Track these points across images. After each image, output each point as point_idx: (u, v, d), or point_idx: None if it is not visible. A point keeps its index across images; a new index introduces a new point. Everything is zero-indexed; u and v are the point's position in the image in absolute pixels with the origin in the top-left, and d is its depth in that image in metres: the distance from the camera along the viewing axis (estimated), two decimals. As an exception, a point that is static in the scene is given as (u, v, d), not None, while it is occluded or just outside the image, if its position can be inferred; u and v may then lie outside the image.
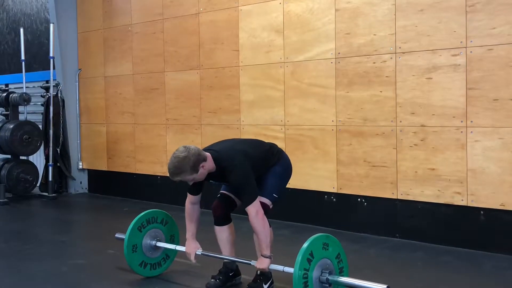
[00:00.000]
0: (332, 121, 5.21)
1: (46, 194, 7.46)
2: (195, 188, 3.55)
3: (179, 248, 3.85)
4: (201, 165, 3.27)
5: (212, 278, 3.62)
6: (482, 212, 4.42)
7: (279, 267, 3.27)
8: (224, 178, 3.40)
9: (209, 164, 3.33)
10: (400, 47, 4.78)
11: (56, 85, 7.64)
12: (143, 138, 6.99)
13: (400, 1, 4.77)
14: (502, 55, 4.27)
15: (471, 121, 4.42)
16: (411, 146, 4.75)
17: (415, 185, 4.73)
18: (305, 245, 3.04)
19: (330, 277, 3.09)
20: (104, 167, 7.55)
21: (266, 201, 3.44)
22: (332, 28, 5.19)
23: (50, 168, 7.48)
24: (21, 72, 7.87)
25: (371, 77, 4.96)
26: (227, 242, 3.63)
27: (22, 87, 7.82)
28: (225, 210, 3.61)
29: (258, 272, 3.50)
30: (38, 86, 8.01)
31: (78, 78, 7.78)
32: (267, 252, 3.29)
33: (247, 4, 5.81)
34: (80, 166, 7.82)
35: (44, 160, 7.72)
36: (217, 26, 6.11)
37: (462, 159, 4.47)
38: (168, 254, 4.02)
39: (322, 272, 3.09)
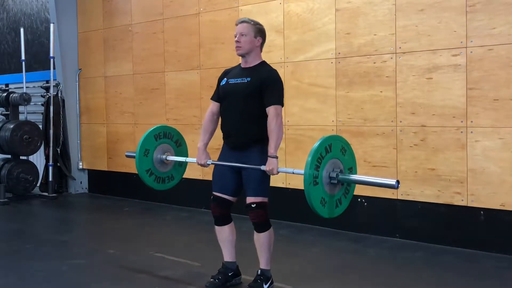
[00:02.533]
0: (332, 121, 5.21)
1: (46, 194, 7.46)
2: (217, 93, 3.62)
3: (189, 160, 3.92)
4: (260, 38, 3.52)
5: (211, 278, 3.62)
6: (482, 212, 4.42)
7: (289, 170, 3.34)
8: (252, 74, 3.43)
9: (259, 51, 3.54)
10: (400, 47, 4.78)
11: (56, 85, 7.64)
12: (143, 138, 6.99)
13: (400, 1, 4.77)
14: (502, 55, 4.27)
15: (471, 121, 4.42)
16: (411, 146, 4.75)
17: (415, 185, 4.73)
18: (315, 145, 3.07)
19: (340, 175, 3.12)
20: (104, 167, 7.55)
21: (265, 199, 3.46)
22: (332, 28, 5.19)
23: (50, 168, 7.48)
24: (21, 72, 7.87)
25: (371, 77, 4.96)
26: (228, 242, 3.63)
27: (22, 87, 7.82)
28: (224, 210, 3.60)
29: (259, 271, 3.51)
30: (38, 86, 8.01)
31: (78, 78, 7.78)
32: (274, 152, 3.31)
33: (247, 4, 5.81)
34: (80, 166, 7.82)
35: (44, 160, 7.72)
36: (218, 26, 6.11)
37: (462, 159, 4.47)
38: (174, 175, 4.06)
39: (331, 171, 3.12)
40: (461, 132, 4.47)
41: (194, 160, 3.71)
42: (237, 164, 3.47)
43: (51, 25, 7.43)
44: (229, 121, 3.54)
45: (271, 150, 3.32)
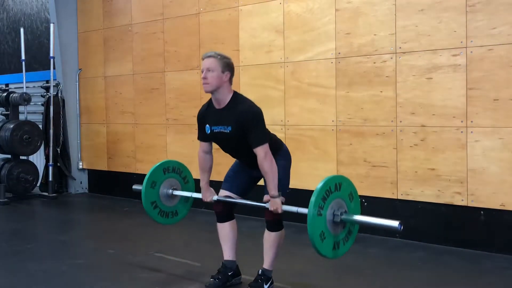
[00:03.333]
0: (332, 121, 5.21)
1: (46, 194, 7.46)
2: (202, 135, 3.58)
3: (195, 195, 3.92)
4: (228, 72, 3.36)
5: (211, 278, 3.61)
6: (482, 212, 4.42)
7: (293, 208, 3.31)
8: (230, 119, 3.35)
9: (228, 86, 3.38)
10: (400, 47, 4.78)
11: (56, 85, 7.64)
12: (143, 138, 7.00)
13: (400, 1, 4.77)
14: (502, 55, 4.27)
15: (471, 121, 4.42)
16: (411, 146, 4.75)
17: (415, 185, 4.73)
18: (319, 185, 3.06)
19: (343, 216, 3.12)
20: (104, 167, 7.55)
21: (283, 199, 3.43)
22: (332, 28, 5.19)
23: (50, 168, 7.48)
24: (21, 72, 7.87)
25: (371, 77, 4.96)
26: (228, 239, 3.62)
27: (22, 87, 7.82)
28: (226, 207, 3.60)
29: (260, 271, 3.50)
30: (38, 86, 8.01)
31: (78, 78, 7.78)
32: (275, 192, 3.30)
33: (247, 4, 5.81)
34: (80, 166, 7.82)
35: (44, 160, 7.72)
36: (217, 26, 6.11)
37: (462, 159, 4.47)
38: (178, 211, 4.06)
39: (335, 211, 3.12)
40: (461, 132, 4.47)
41: (200, 195, 3.75)
42: (241, 202, 3.54)
43: (51, 25, 7.43)
44: (234, 155, 3.59)
45: (271, 191, 3.30)
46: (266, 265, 3.50)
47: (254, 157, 3.34)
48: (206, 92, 3.40)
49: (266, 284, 3.48)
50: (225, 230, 3.63)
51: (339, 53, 5.15)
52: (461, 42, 4.45)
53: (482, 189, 4.38)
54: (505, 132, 4.27)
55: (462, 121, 4.47)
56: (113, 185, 7.49)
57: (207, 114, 3.53)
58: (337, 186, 3.15)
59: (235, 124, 3.35)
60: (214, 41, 6.15)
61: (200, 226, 5.64)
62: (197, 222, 5.83)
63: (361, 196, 5.04)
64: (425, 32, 4.64)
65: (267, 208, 3.38)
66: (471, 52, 4.41)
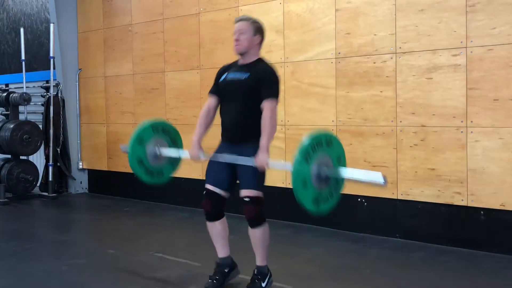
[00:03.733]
0: (332, 121, 5.21)
1: (46, 194, 7.45)
2: (214, 88, 3.63)
3: (183, 154, 3.84)
4: (259, 35, 3.51)
5: (209, 279, 3.60)
6: (482, 212, 4.42)
7: (280, 163, 3.28)
8: (250, 69, 3.44)
9: (257, 49, 3.53)
10: (400, 47, 4.78)
11: (56, 85, 7.64)
12: (143, 138, 6.99)
13: (400, 1, 4.77)
14: (502, 55, 4.27)
15: (471, 121, 4.42)
16: (411, 146, 4.75)
17: (415, 185, 4.73)
18: (305, 141, 3.03)
19: (328, 171, 3.10)
20: (104, 167, 7.55)
21: (260, 193, 3.42)
22: (332, 28, 5.19)
23: (50, 168, 7.48)
24: (21, 72, 7.86)
25: (371, 77, 4.95)
26: (219, 236, 3.60)
27: (22, 87, 7.82)
28: (216, 207, 3.56)
29: (255, 271, 3.49)
30: (38, 86, 8.01)
31: (78, 78, 7.78)
32: (265, 145, 3.27)
33: (247, 4, 5.81)
34: (80, 166, 7.82)
35: (44, 160, 7.72)
36: (217, 26, 6.11)
37: (462, 159, 4.47)
38: (164, 172, 3.95)
39: (320, 165, 3.08)
40: (461, 132, 4.47)
41: (187, 153, 3.68)
42: (228, 158, 3.45)
43: (51, 25, 7.43)
44: (228, 116, 3.54)
45: (263, 143, 3.28)
46: (258, 261, 3.49)
47: (245, 123, 3.41)
48: (237, 53, 3.52)
49: (263, 282, 3.46)
50: (216, 229, 3.60)
51: (339, 53, 5.15)
52: (461, 42, 4.45)
53: (482, 189, 4.38)
54: (505, 132, 4.27)
55: (462, 121, 4.47)
56: (113, 185, 7.49)
57: (229, 67, 3.64)
58: (328, 142, 3.13)
59: (254, 74, 3.43)
60: (214, 41, 6.15)
61: (200, 226, 5.59)
62: (197, 222, 5.82)
63: (361, 196, 5.07)
64: (425, 32, 4.64)
65: (246, 207, 3.39)
66: (471, 52, 4.41)
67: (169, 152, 3.90)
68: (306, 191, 3.05)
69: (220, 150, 3.59)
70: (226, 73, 3.60)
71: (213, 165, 3.60)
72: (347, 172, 3.17)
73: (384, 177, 2.96)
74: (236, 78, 3.51)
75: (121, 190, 7.32)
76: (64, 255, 4.61)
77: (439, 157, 4.59)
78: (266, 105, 3.35)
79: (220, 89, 3.61)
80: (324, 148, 3.12)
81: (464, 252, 4.41)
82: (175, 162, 4.01)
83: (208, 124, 3.69)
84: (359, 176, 3.20)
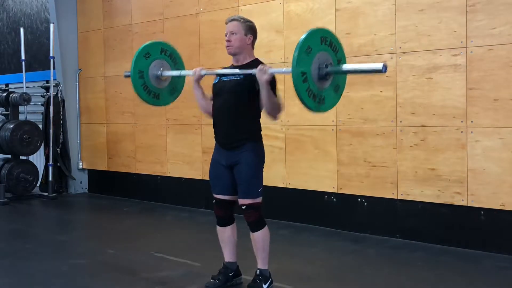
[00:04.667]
0: (332, 121, 5.21)
1: (46, 194, 7.45)
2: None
3: (184, 73, 3.86)
4: (251, 35, 3.49)
5: (212, 278, 3.62)
6: (482, 212, 4.42)
7: (280, 70, 3.26)
8: (247, 74, 3.42)
9: (250, 48, 3.51)
10: (400, 47, 4.78)
11: (56, 85, 7.64)
12: (143, 138, 6.99)
13: (400, 1, 4.77)
14: (502, 55, 4.27)
15: (472, 121, 4.42)
16: (411, 146, 4.75)
17: (415, 185, 4.73)
18: (301, 39, 2.96)
19: (329, 68, 3.05)
20: (104, 167, 7.55)
21: (257, 200, 3.44)
22: (333, 28, 5.18)
23: (50, 168, 7.48)
24: (21, 72, 7.87)
25: (371, 77, 4.95)
26: (229, 243, 3.63)
27: (22, 87, 7.82)
28: (227, 211, 3.60)
29: (258, 272, 3.50)
30: (38, 86, 8.02)
31: (78, 78, 7.78)
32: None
33: (247, 4, 5.81)
34: (80, 166, 7.82)
35: (44, 160, 7.72)
36: (217, 26, 6.10)
37: (462, 159, 4.47)
38: (160, 96, 3.95)
39: (320, 65, 3.04)
40: (461, 132, 4.47)
41: (189, 71, 3.73)
42: (228, 71, 3.50)
43: (51, 25, 7.43)
44: (220, 119, 3.53)
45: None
46: (260, 264, 3.50)
47: (237, 127, 3.41)
48: (229, 54, 3.51)
49: (265, 284, 3.47)
50: (226, 234, 3.63)
51: (339, 53, 5.15)
52: (461, 42, 4.45)
53: (482, 189, 4.38)
54: (505, 132, 4.27)
55: (462, 121, 4.46)
56: (113, 185, 7.49)
57: (225, 69, 3.63)
58: (330, 43, 3.08)
59: (249, 74, 3.38)
60: (214, 41, 6.15)
61: (200, 226, 5.64)
62: (197, 222, 5.84)
63: (361, 196, 5.07)
64: (425, 32, 4.64)
65: (246, 211, 3.42)
66: (471, 52, 4.41)
67: (171, 72, 3.90)
68: (305, 86, 2.97)
69: (216, 155, 3.61)
70: (218, 77, 3.59)
71: (214, 172, 3.62)
72: (347, 66, 3.14)
73: (385, 64, 2.88)
74: (229, 80, 3.49)
75: (121, 190, 7.32)
76: (64, 255, 4.61)
77: (439, 157, 4.59)
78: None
79: (213, 91, 3.61)
80: (324, 46, 3.05)
81: (464, 252, 4.41)
82: (174, 91, 4.02)
83: (207, 98, 3.69)
84: (359, 67, 3.16)
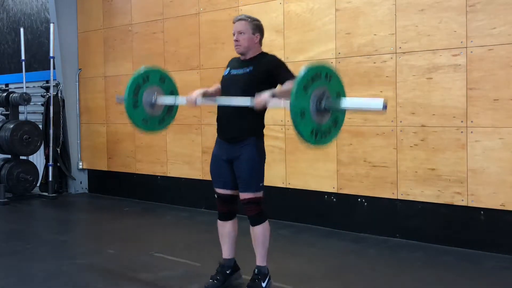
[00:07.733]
0: (332, 121, 5.21)
1: (46, 194, 7.45)
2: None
3: (179, 100, 3.77)
4: (258, 34, 3.51)
5: (210, 279, 3.61)
6: (482, 212, 4.42)
7: (279, 102, 3.15)
8: (253, 63, 3.44)
9: (258, 47, 3.53)
10: (400, 47, 4.78)
11: (56, 85, 7.64)
12: (143, 138, 6.99)
13: (400, 1, 4.77)
14: (502, 55, 4.27)
15: (472, 121, 4.42)
16: (411, 146, 4.75)
17: (415, 185, 4.73)
18: (301, 73, 2.92)
19: (326, 103, 3.02)
20: (104, 167, 7.55)
21: (258, 194, 3.44)
22: (333, 28, 5.19)
23: (50, 168, 7.48)
24: (21, 72, 7.87)
25: (371, 77, 4.95)
26: (228, 237, 3.62)
27: (22, 87, 7.82)
28: (230, 206, 3.60)
29: (256, 270, 3.49)
30: (38, 86, 8.02)
31: (78, 78, 7.78)
32: (277, 91, 3.22)
33: (247, 4, 5.81)
34: (80, 166, 7.82)
35: (44, 160, 7.72)
36: (217, 26, 6.11)
37: (462, 159, 4.47)
38: (148, 122, 3.84)
39: (319, 98, 3.02)
40: (461, 132, 4.47)
41: (184, 99, 3.64)
42: (224, 101, 3.46)
43: (51, 25, 7.43)
44: (224, 112, 3.53)
45: (276, 89, 3.25)
46: (258, 261, 3.49)
47: (241, 121, 3.40)
48: (238, 53, 3.53)
49: (264, 282, 3.46)
50: (226, 229, 3.62)
51: (339, 53, 5.15)
52: (461, 42, 4.45)
53: (482, 189, 4.38)
54: (505, 132, 4.27)
55: (462, 121, 4.47)
56: (113, 185, 7.49)
57: (232, 61, 3.65)
58: (328, 77, 3.06)
59: (258, 66, 3.41)
60: (214, 41, 6.15)
61: (200, 226, 5.64)
62: (197, 222, 5.84)
63: (361, 196, 5.07)
64: (425, 32, 4.64)
65: (246, 206, 3.42)
66: (471, 52, 4.41)
67: (166, 99, 3.79)
68: (304, 122, 2.97)
69: (217, 149, 3.60)
70: (229, 68, 3.61)
71: (214, 167, 3.61)
72: (346, 102, 3.09)
73: (385, 102, 2.81)
74: (237, 74, 3.50)
75: (121, 190, 7.32)
76: (64, 255, 4.61)
77: (439, 157, 4.59)
78: (290, 83, 3.23)
79: (221, 84, 3.62)
80: (323, 81, 3.03)
81: (464, 252, 4.41)
82: (168, 117, 3.94)
83: (216, 91, 3.65)
84: (359, 105, 3.14)
